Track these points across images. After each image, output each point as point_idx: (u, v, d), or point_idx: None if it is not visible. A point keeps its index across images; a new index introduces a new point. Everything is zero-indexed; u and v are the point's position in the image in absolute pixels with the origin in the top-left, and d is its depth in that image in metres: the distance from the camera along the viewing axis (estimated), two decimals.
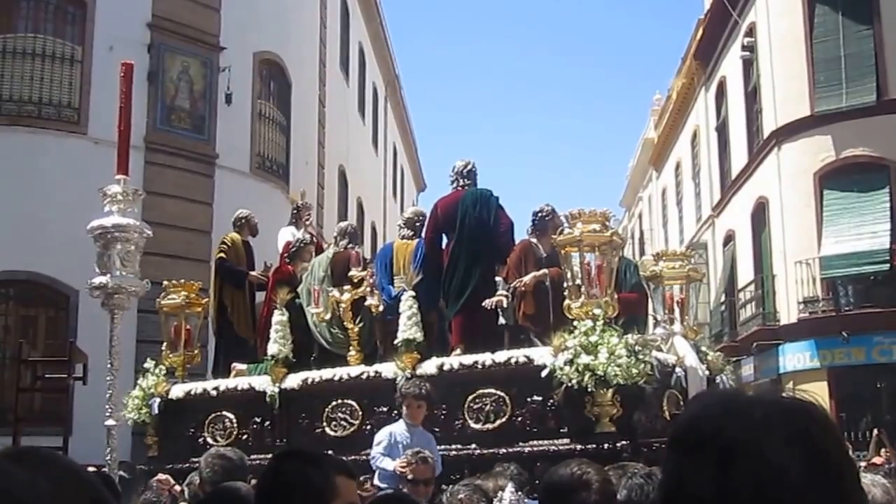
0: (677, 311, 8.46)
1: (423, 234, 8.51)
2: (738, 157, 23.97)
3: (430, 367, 7.33)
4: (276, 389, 8.04)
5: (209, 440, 8.33)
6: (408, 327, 7.48)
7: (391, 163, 34.96)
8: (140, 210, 5.16)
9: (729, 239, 24.87)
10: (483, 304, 7.88)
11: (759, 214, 22.05)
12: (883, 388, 18.72)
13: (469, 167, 8.43)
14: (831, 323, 18.78)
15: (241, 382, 8.45)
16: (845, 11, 19.74)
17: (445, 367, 7.30)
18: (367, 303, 8.07)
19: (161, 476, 6.95)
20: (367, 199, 28.22)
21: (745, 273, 23.04)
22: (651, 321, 8.97)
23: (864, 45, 19.38)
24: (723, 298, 24.75)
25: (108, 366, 4.05)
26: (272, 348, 8.20)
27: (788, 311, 19.95)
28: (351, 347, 8.12)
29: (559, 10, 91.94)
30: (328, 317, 8.24)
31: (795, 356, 19.66)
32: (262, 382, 8.18)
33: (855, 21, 19.60)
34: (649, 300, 8.80)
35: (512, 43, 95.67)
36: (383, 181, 32.65)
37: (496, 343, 7.68)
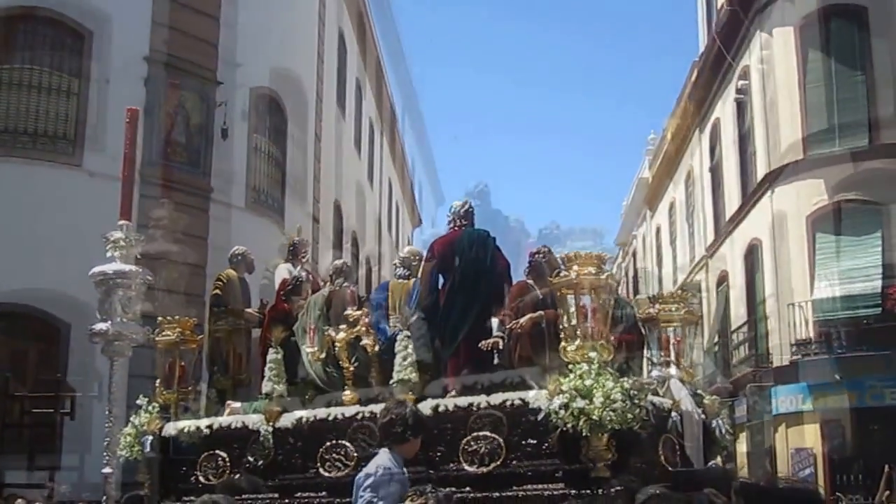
0: (673, 353, 8.42)
1: (419, 274, 8.51)
2: (732, 198, 24.07)
3: (425, 408, 7.27)
4: (270, 428, 7.97)
5: (201, 479, 8.24)
6: (403, 368, 7.45)
7: (387, 197, 35.02)
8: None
9: (722, 280, 24.90)
10: (479, 345, 7.86)
11: (752, 256, 22.12)
12: (875, 432, 18.66)
13: (466, 208, 8.47)
14: (824, 366, 18.76)
15: (235, 421, 8.38)
16: (838, 57, 19.94)
17: (441, 409, 7.24)
18: (362, 342, 8.03)
19: None
20: (363, 234, 28.22)
21: (739, 314, 23.05)
22: (647, 364, 8.93)
23: (856, 90, 19.57)
24: (716, 339, 24.74)
25: (106, 413, 4.01)
26: (266, 386, 8.14)
27: (781, 354, 19.93)
28: (346, 387, 8.07)
29: (563, 47, 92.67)
30: (323, 356, 8.21)
31: (788, 398, 19.62)
32: (256, 421, 8.12)
33: (847, 67, 19.80)
34: (645, 342, 8.77)
35: (513, 75, 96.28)
36: (378, 216, 32.69)
37: (491, 385, 7.64)
